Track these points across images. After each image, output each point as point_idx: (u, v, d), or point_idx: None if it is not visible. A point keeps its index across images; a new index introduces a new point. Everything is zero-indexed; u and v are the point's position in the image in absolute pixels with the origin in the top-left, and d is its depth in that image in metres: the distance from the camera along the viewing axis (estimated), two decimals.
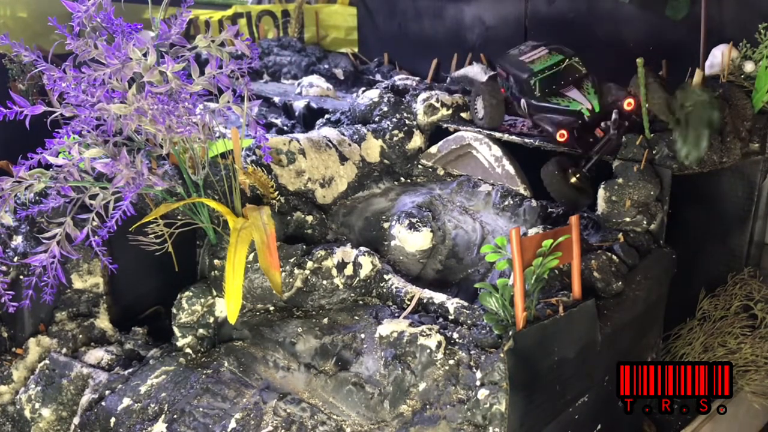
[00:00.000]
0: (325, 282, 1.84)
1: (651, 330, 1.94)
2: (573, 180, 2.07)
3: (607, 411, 1.76)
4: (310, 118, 2.81)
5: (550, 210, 2.14)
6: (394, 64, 3.52)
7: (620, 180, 1.93)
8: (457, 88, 2.78)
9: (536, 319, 1.52)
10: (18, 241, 1.93)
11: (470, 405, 1.48)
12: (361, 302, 1.87)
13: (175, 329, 1.82)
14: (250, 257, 1.77)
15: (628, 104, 1.96)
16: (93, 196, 1.61)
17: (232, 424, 1.58)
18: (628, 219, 1.93)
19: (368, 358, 1.65)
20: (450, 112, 2.47)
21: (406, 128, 2.45)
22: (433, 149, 2.45)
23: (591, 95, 2.03)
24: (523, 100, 2.15)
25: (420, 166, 2.47)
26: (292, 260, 1.83)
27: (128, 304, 2.08)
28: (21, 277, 1.88)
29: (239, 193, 1.80)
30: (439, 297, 1.77)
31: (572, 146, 2.06)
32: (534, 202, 2.14)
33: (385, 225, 2.17)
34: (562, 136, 2.00)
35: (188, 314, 1.81)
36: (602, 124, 2.03)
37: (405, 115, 2.47)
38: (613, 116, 1.97)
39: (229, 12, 3.69)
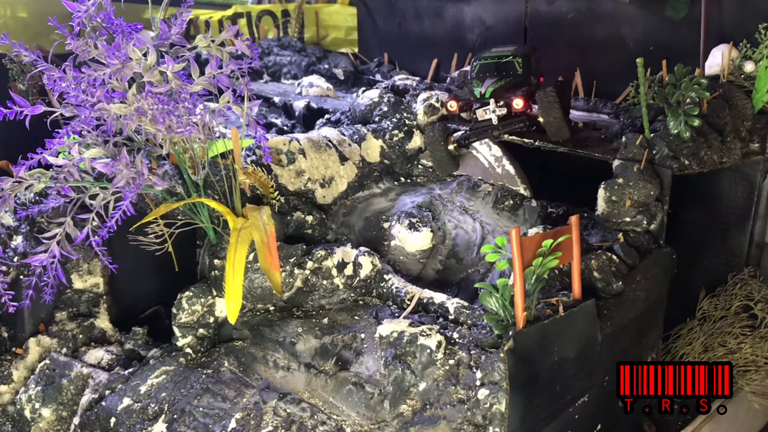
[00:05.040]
0: (325, 282, 1.84)
1: (651, 330, 1.94)
2: (450, 147, 2.32)
3: (607, 411, 1.76)
4: (310, 118, 2.80)
5: (550, 210, 2.14)
6: (394, 64, 3.51)
7: (620, 180, 1.93)
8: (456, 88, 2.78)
9: (536, 319, 1.52)
10: (18, 241, 1.93)
11: (470, 405, 1.48)
12: (361, 302, 1.87)
13: (175, 329, 1.82)
14: (250, 257, 1.77)
15: (516, 103, 2.16)
16: (93, 196, 1.61)
17: (232, 424, 1.58)
18: (628, 219, 1.93)
19: (368, 358, 1.65)
20: None
21: (406, 128, 2.45)
22: None
23: (494, 85, 2.19)
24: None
25: (420, 166, 2.47)
26: (292, 260, 1.83)
27: (128, 304, 2.08)
28: (21, 277, 1.88)
29: (239, 193, 1.80)
30: (439, 297, 1.77)
31: (458, 118, 2.35)
32: (534, 202, 2.15)
33: (385, 225, 2.17)
34: (452, 106, 2.25)
35: (188, 314, 1.81)
36: (486, 106, 2.19)
37: (405, 115, 2.47)
38: (500, 102, 2.17)
39: (229, 12, 3.68)
